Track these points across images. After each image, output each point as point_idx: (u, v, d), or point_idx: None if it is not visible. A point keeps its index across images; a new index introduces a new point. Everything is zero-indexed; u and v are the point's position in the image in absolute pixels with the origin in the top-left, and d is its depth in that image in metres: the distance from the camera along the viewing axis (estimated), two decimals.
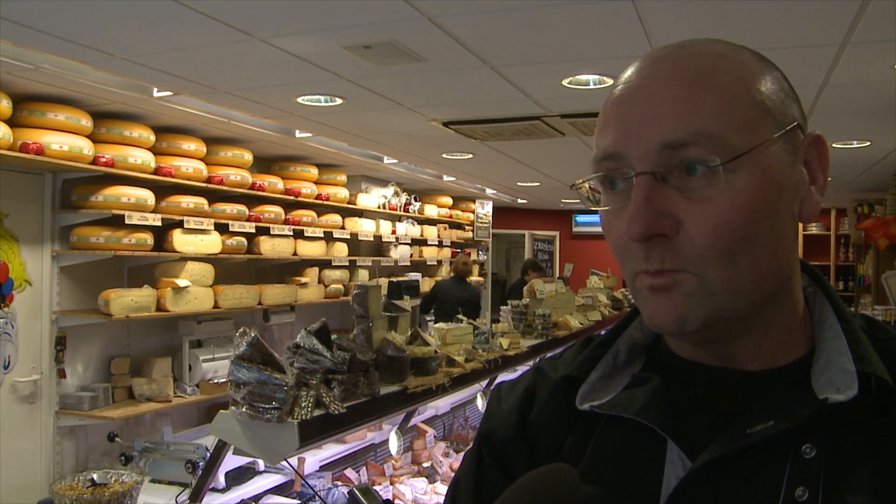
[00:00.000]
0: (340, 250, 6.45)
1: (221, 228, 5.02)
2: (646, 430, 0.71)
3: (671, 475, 0.69)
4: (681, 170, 0.66)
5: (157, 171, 4.52)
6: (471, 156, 6.06)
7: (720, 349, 0.72)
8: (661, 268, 0.67)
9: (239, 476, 2.83)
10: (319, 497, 2.95)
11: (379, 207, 7.09)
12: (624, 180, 0.69)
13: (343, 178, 6.58)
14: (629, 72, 0.72)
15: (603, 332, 0.85)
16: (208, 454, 2.38)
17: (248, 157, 5.30)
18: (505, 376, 4.69)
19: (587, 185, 0.73)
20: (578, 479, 0.65)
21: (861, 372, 0.66)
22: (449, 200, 8.92)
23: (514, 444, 0.81)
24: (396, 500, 3.25)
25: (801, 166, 0.70)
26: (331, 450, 3.30)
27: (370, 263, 6.95)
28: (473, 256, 9.39)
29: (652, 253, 0.67)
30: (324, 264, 6.25)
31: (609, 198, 0.71)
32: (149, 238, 4.44)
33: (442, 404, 4.29)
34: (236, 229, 5.17)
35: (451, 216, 8.92)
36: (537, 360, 3.93)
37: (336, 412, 1.89)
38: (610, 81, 3.55)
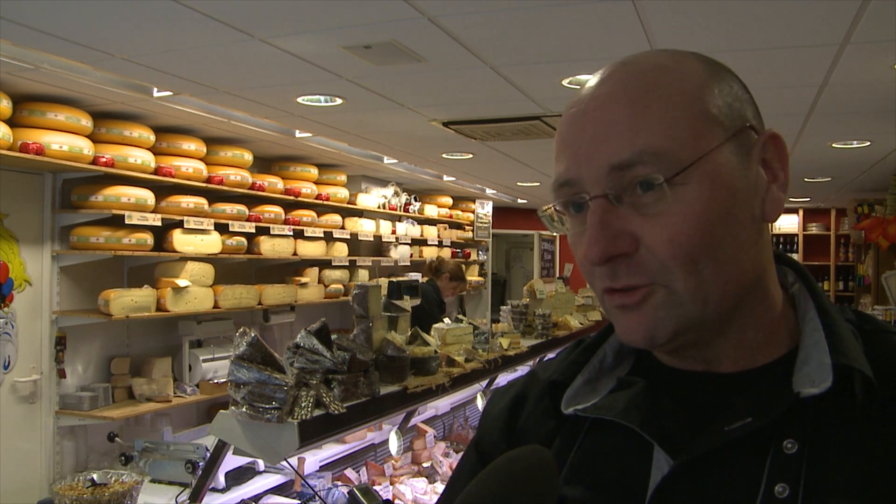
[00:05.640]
0: (340, 250, 6.45)
1: (221, 228, 5.02)
2: (632, 433, 0.72)
3: (657, 476, 0.70)
4: (632, 189, 0.66)
5: (157, 171, 4.51)
6: (471, 156, 6.06)
7: (698, 354, 0.73)
8: (628, 284, 0.68)
9: (239, 476, 2.83)
10: (319, 497, 2.95)
11: (379, 207, 7.09)
12: (584, 204, 0.70)
13: (343, 178, 6.58)
14: (578, 93, 0.73)
15: (592, 335, 0.86)
16: (208, 454, 2.38)
17: (248, 157, 5.30)
18: (505, 376, 4.69)
19: (553, 210, 0.75)
20: (553, 459, 0.66)
21: (837, 364, 0.66)
22: (449, 200, 8.91)
23: (500, 449, 0.81)
24: (396, 500, 3.25)
25: (757, 166, 0.70)
26: (331, 450, 3.30)
27: (370, 263, 6.95)
28: (473, 256, 9.39)
29: (617, 271, 0.68)
30: (324, 264, 6.25)
31: (572, 221, 0.73)
32: (149, 238, 4.44)
33: (442, 404, 4.29)
34: (236, 229, 5.16)
35: (451, 216, 8.92)
36: (537, 360, 3.93)
37: (336, 412, 1.89)
38: None
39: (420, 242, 8.06)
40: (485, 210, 9.37)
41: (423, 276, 6.95)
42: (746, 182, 0.69)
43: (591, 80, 0.73)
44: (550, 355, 3.87)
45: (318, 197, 6.17)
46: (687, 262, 0.66)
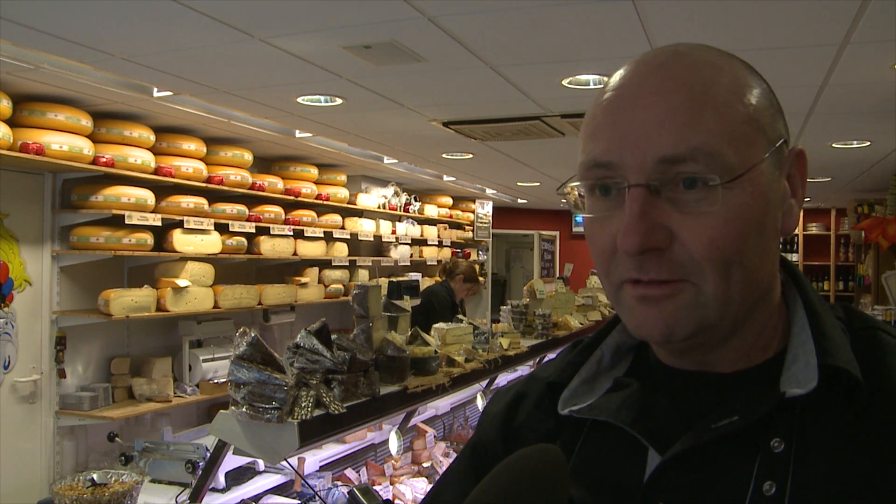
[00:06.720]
0: (340, 250, 6.45)
1: (221, 228, 5.02)
2: (628, 433, 0.73)
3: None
4: (675, 183, 0.66)
5: (157, 171, 4.51)
6: (471, 156, 6.06)
7: (700, 357, 0.73)
8: (657, 278, 0.67)
9: (239, 476, 2.83)
10: (319, 497, 2.95)
11: (379, 207, 7.09)
12: (614, 189, 0.69)
13: (343, 178, 6.58)
14: (621, 76, 0.71)
15: (590, 336, 0.86)
16: (208, 454, 2.38)
17: (248, 157, 5.30)
18: (505, 376, 4.69)
19: (576, 192, 0.73)
20: (564, 458, 0.67)
21: (823, 364, 0.67)
22: (449, 200, 8.91)
23: (498, 448, 0.82)
24: (396, 500, 3.25)
25: (784, 180, 0.71)
26: (331, 450, 3.30)
27: (370, 263, 6.95)
28: (473, 256, 9.39)
29: (647, 264, 0.67)
30: (324, 264, 6.25)
31: (595, 205, 0.71)
32: (149, 238, 4.44)
33: (442, 404, 4.29)
34: (236, 229, 5.16)
35: (451, 216, 8.92)
36: (537, 360, 3.93)
37: (336, 412, 1.89)
38: None
39: (420, 242, 8.06)
40: (485, 210, 9.37)
41: (425, 277, 6.94)
42: (776, 195, 0.70)
43: (635, 66, 0.71)
44: (550, 355, 3.87)
45: (318, 197, 6.17)
46: (721, 265, 0.66)
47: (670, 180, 0.66)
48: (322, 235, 6.16)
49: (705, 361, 0.73)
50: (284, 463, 2.65)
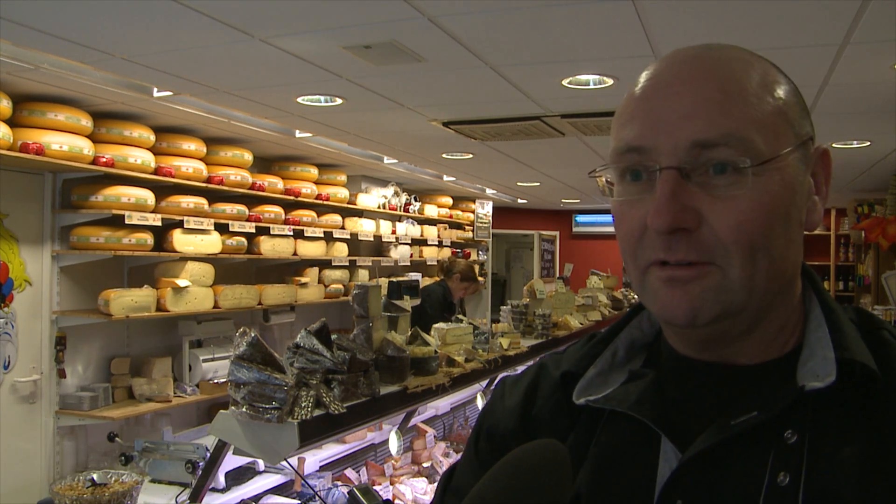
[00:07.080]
0: (340, 250, 6.45)
1: (221, 228, 5.02)
2: (641, 424, 0.73)
3: (665, 469, 0.71)
4: (706, 168, 0.68)
5: (157, 171, 4.51)
6: (471, 156, 6.06)
7: (721, 350, 0.74)
8: (684, 259, 0.68)
9: (239, 476, 2.83)
10: (319, 497, 2.95)
11: (379, 207, 7.09)
12: (645, 173, 0.70)
13: (343, 178, 6.58)
14: (654, 68, 0.73)
15: (604, 330, 0.86)
16: (208, 454, 2.38)
17: (248, 157, 5.30)
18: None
19: (605, 178, 0.75)
20: (566, 452, 0.67)
21: (841, 359, 0.68)
22: (449, 200, 8.91)
23: (516, 439, 0.82)
24: (396, 500, 3.25)
25: (809, 177, 0.74)
26: (331, 450, 3.30)
27: (370, 263, 6.95)
28: (473, 256, 9.39)
29: (675, 244, 0.68)
30: (324, 264, 6.25)
31: (625, 189, 0.73)
32: (149, 238, 4.44)
33: (442, 404, 4.29)
34: (236, 229, 5.16)
35: (451, 216, 8.92)
36: (537, 359, 3.94)
37: (336, 412, 1.89)
38: (610, 81, 3.56)
39: (420, 242, 8.06)
40: (485, 210, 9.38)
41: (425, 277, 6.91)
42: (802, 188, 0.72)
43: (669, 59, 0.73)
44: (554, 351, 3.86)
45: (318, 197, 6.17)
46: (747, 249, 0.67)
47: (701, 165, 0.68)
48: (322, 235, 6.16)
49: (725, 354, 0.74)
50: (284, 463, 2.65)
